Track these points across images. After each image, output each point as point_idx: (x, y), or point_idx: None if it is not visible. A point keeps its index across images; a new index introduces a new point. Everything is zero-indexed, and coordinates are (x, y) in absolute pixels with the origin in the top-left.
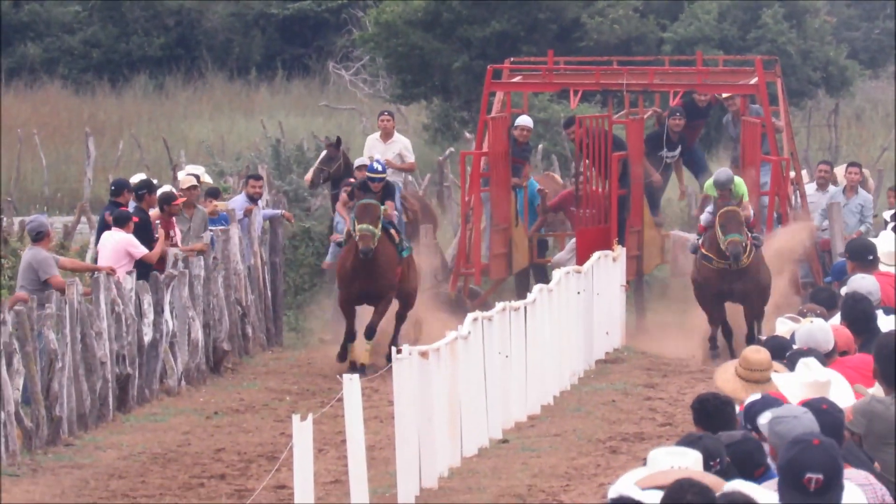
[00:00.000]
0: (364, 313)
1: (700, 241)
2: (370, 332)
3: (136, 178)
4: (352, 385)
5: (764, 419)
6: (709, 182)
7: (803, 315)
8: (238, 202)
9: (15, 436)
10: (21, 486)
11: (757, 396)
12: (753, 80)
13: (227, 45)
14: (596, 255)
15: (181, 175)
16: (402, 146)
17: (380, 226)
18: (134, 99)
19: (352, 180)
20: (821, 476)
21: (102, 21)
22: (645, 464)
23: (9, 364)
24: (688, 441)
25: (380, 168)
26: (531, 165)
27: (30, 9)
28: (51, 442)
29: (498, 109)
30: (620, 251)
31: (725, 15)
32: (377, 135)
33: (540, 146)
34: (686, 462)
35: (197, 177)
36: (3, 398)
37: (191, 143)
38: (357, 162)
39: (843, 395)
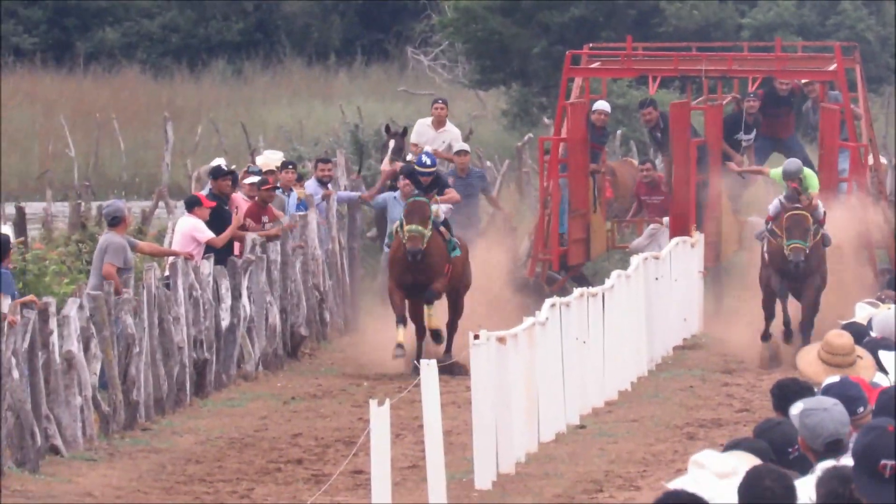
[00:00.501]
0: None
1: (766, 232)
2: (430, 298)
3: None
4: (429, 370)
5: (794, 410)
6: (777, 171)
7: (882, 301)
8: (310, 187)
9: (92, 420)
10: (98, 471)
11: (835, 379)
12: (832, 67)
13: (306, 30)
14: (674, 241)
15: (259, 160)
16: (452, 137)
17: (430, 225)
18: (212, 84)
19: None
20: None
21: (181, 6)
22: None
23: (86, 349)
24: (767, 426)
25: (429, 162)
26: (607, 151)
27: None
28: (128, 426)
29: (577, 95)
30: (699, 237)
31: (804, 1)
32: (429, 121)
33: (619, 132)
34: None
35: (292, 164)
36: (81, 383)
37: (269, 129)
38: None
39: None
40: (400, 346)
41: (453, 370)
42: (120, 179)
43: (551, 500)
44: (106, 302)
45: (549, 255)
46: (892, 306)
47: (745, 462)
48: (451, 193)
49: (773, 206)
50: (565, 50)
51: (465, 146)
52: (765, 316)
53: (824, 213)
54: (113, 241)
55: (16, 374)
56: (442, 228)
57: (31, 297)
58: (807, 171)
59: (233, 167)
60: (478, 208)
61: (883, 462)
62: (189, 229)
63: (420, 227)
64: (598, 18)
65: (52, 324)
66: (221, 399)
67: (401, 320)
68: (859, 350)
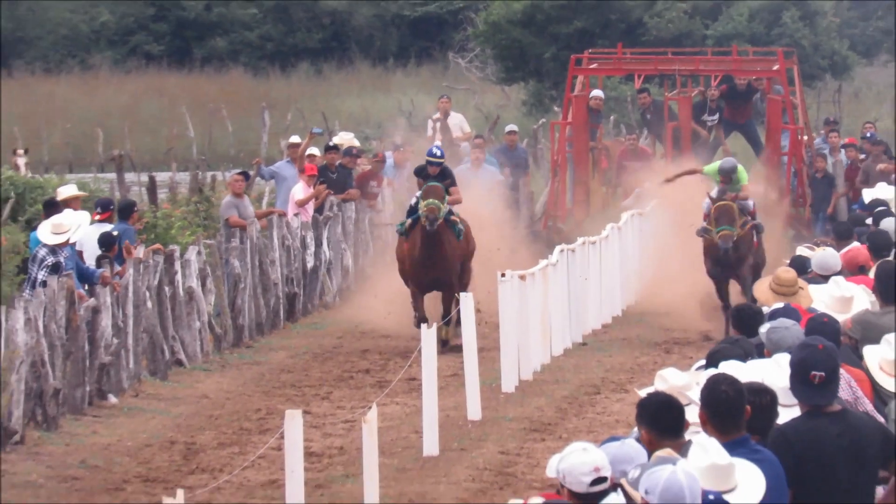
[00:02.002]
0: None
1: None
2: (447, 320)
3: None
4: (466, 301)
5: (763, 329)
6: (713, 167)
7: (818, 245)
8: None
9: (208, 339)
10: (212, 378)
11: (780, 305)
12: (776, 67)
13: (371, 39)
14: (654, 201)
15: (335, 139)
16: (458, 120)
17: (445, 203)
18: (298, 81)
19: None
20: (823, 373)
21: (274, 20)
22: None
23: (203, 285)
24: (729, 341)
25: (438, 153)
26: (603, 129)
27: (218, 11)
28: (235, 344)
29: (579, 89)
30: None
31: (754, 16)
32: (437, 114)
33: (612, 117)
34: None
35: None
36: (199, 311)
37: (342, 115)
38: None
39: (864, 304)
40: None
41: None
42: (228, 154)
43: (560, 401)
44: (218, 249)
45: (559, 212)
46: (826, 249)
47: (695, 377)
48: (457, 195)
49: (705, 203)
50: (570, 54)
51: (514, 127)
52: (719, 298)
53: (754, 204)
54: (228, 201)
55: (149, 304)
56: (452, 217)
57: (157, 245)
58: (740, 167)
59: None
60: (526, 176)
61: (813, 373)
62: (291, 194)
63: (436, 202)
64: (596, 30)
65: (177, 266)
66: (307, 323)
67: (419, 323)
68: (801, 282)
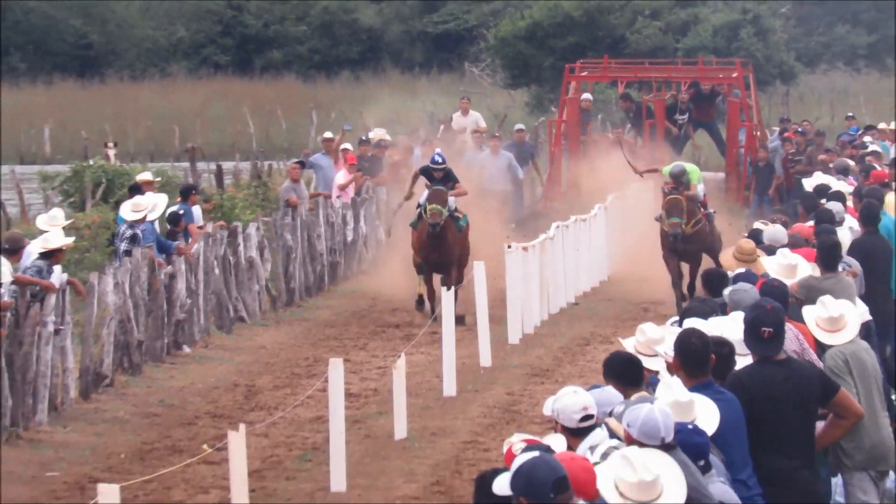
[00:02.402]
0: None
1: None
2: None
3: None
4: (479, 270)
5: (726, 291)
6: (667, 168)
7: (773, 221)
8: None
9: (265, 300)
10: (269, 333)
11: (742, 270)
12: (734, 74)
13: (400, 51)
14: (633, 186)
15: (371, 134)
16: (476, 118)
17: (447, 207)
18: (340, 86)
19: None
20: (771, 329)
21: (320, 36)
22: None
23: (261, 255)
24: (698, 301)
25: (440, 161)
26: (592, 126)
27: (274, 28)
28: (287, 304)
29: (572, 93)
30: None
31: (717, 32)
32: (458, 112)
33: (599, 116)
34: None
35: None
36: (258, 276)
37: (376, 115)
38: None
39: (806, 271)
40: (421, 302)
41: (462, 320)
42: (282, 147)
43: (556, 351)
44: (274, 225)
45: (555, 195)
46: (775, 226)
47: (668, 331)
48: (460, 188)
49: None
50: (565, 64)
51: (522, 125)
52: (672, 278)
53: (704, 194)
54: (287, 186)
55: (216, 271)
56: (457, 213)
57: (223, 222)
58: (689, 167)
59: (373, 137)
60: (529, 167)
61: (763, 329)
62: (335, 179)
63: (439, 207)
64: (586, 43)
65: (240, 239)
66: (347, 287)
67: (420, 302)
68: (759, 252)
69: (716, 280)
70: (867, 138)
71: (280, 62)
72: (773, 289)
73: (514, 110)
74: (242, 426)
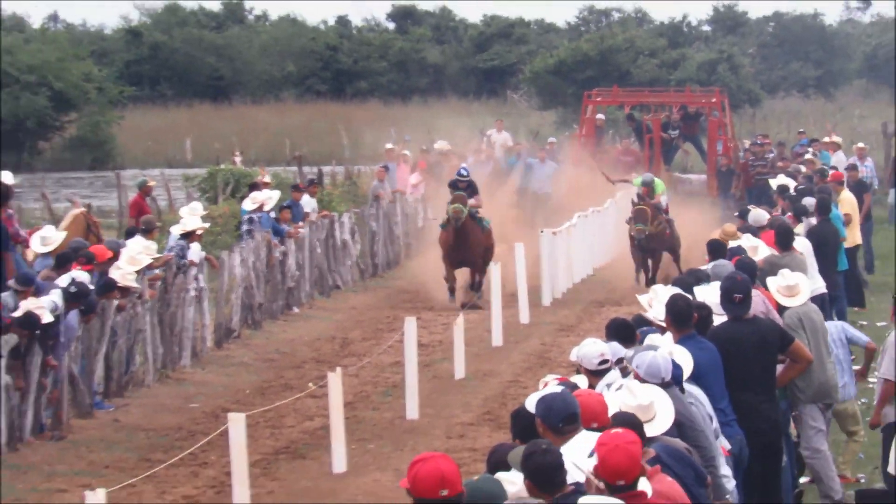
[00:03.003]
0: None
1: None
2: (476, 287)
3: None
4: (519, 249)
5: (709, 266)
6: (638, 180)
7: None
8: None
9: (355, 272)
10: (358, 297)
11: (735, 245)
12: (714, 99)
13: (458, 82)
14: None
15: (436, 145)
16: (506, 137)
17: (467, 208)
18: (413, 109)
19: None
20: (741, 295)
21: (397, 70)
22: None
23: (352, 237)
24: (689, 272)
25: (465, 174)
26: (604, 139)
27: (361, 64)
28: (372, 275)
29: (589, 114)
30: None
31: (700, 67)
32: (494, 130)
33: (610, 132)
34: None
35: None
36: (350, 254)
37: (440, 131)
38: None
39: (766, 251)
40: (452, 291)
41: (481, 306)
42: (367, 155)
43: (579, 311)
44: (361, 214)
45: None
46: (761, 209)
47: (666, 292)
48: (478, 200)
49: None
50: (583, 91)
51: (553, 138)
52: (636, 270)
53: (667, 205)
54: (374, 184)
55: (318, 250)
56: (478, 215)
57: (324, 211)
58: (657, 180)
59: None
60: (549, 183)
61: (734, 295)
62: (409, 179)
63: (460, 205)
64: (599, 76)
65: (336, 225)
66: (418, 263)
67: (451, 292)
68: (738, 233)
69: (719, 248)
70: (810, 149)
71: (366, 90)
72: (744, 264)
73: (545, 127)
74: (339, 369)
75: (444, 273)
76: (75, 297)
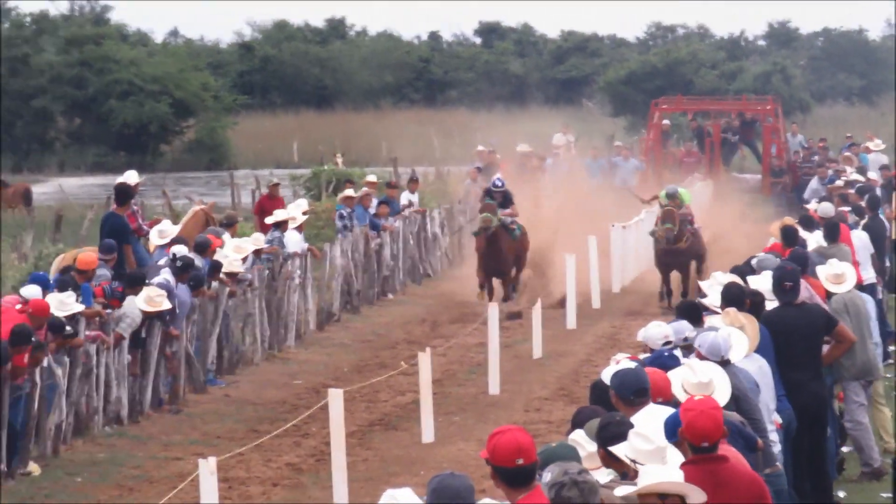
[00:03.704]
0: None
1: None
2: (508, 296)
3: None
4: (592, 242)
5: (754, 261)
6: (663, 192)
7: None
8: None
9: (444, 261)
10: (447, 285)
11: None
12: (769, 107)
13: (537, 91)
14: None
15: (518, 148)
16: (570, 138)
17: (497, 217)
18: (497, 116)
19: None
20: (791, 283)
21: (483, 80)
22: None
23: (441, 230)
24: (745, 263)
25: (500, 184)
26: (670, 143)
27: (451, 75)
28: (460, 265)
29: (656, 120)
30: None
31: (756, 78)
32: (560, 133)
33: (674, 136)
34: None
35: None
36: (440, 245)
37: (521, 135)
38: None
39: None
40: (482, 291)
41: (519, 315)
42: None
43: (645, 296)
44: (451, 209)
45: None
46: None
47: (725, 279)
48: (512, 209)
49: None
50: (651, 99)
51: (620, 142)
52: (661, 281)
53: (692, 214)
54: (466, 183)
55: (410, 241)
56: (511, 225)
57: (418, 207)
58: (682, 190)
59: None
60: (634, 178)
61: (784, 283)
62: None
63: (490, 215)
64: (666, 86)
65: (427, 220)
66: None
67: (482, 286)
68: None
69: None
70: (847, 152)
71: (455, 98)
72: (797, 255)
73: (618, 132)
74: (428, 349)
75: (479, 281)
76: (182, 269)
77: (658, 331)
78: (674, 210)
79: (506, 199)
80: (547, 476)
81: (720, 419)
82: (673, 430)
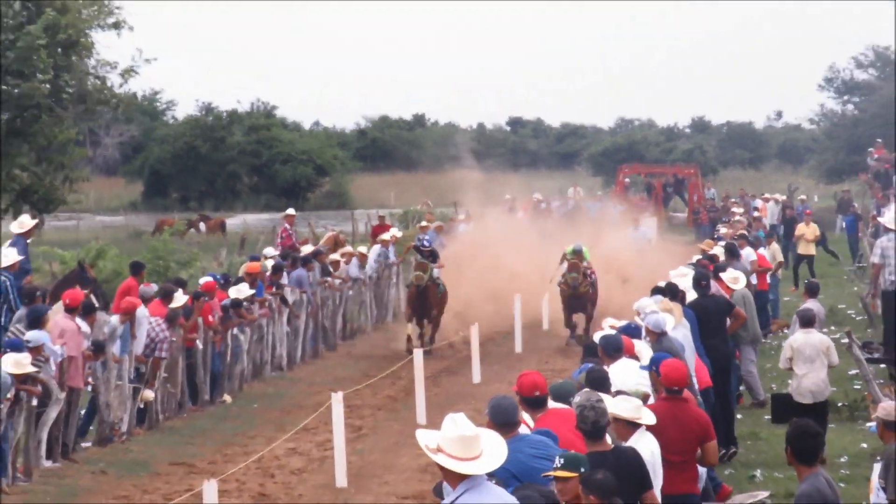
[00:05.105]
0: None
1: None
2: (429, 342)
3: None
4: (517, 300)
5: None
6: (569, 248)
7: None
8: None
9: None
10: None
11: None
12: (692, 171)
13: (545, 160)
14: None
15: (533, 196)
16: (580, 190)
17: (429, 274)
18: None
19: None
20: (705, 282)
21: (510, 154)
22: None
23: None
24: (666, 284)
25: (427, 244)
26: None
27: (492, 150)
28: None
29: (621, 178)
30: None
31: (684, 153)
32: (572, 188)
33: (632, 189)
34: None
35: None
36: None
37: (534, 188)
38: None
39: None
40: (409, 338)
41: (431, 352)
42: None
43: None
44: None
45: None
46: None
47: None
48: (440, 264)
49: (563, 265)
50: (617, 166)
51: (599, 192)
52: (565, 322)
53: (592, 271)
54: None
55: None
56: (438, 280)
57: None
58: (584, 247)
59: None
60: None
61: (702, 281)
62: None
63: (422, 273)
64: (628, 157)
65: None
66: None
67: (410, 321)
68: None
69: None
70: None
71: (492, 165)
72: (700, 268)
73: (596, 186)
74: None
75: (407, 318)
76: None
77: (647, 302)
78: (578, 263)
79: (433, 255)
80: (577, 398)
81: (685, 372)
82: (652, 364)
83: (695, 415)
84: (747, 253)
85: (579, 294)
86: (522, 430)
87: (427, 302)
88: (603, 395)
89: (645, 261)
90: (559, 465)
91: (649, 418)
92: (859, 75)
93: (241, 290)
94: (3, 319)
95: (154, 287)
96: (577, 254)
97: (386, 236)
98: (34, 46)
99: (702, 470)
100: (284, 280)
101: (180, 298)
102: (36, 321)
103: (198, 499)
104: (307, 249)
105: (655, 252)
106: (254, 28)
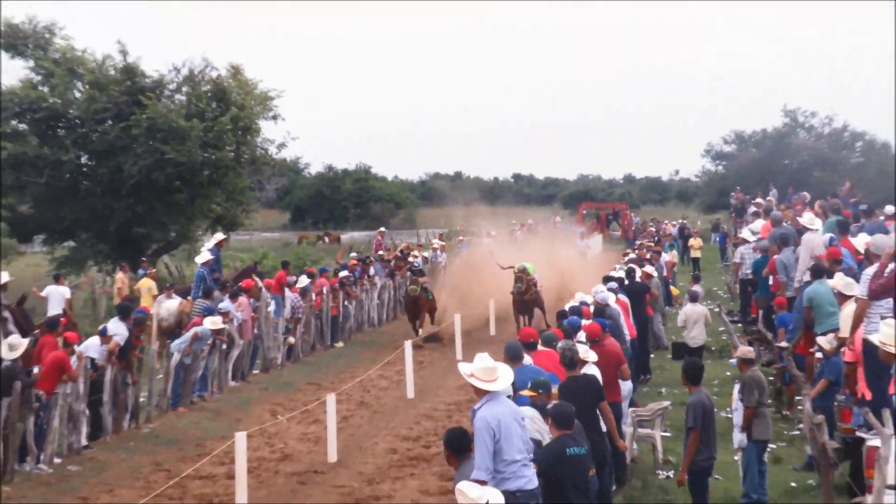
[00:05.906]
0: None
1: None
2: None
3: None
4: (491, 304)
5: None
6: (518, 265)
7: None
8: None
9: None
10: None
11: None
12: (625, 206)
13: (533, 201)
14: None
15: (527, 221)
16: (559, 219)
17: (420, 286)
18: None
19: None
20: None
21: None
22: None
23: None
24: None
25: (417, 264)
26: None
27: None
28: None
29: (581, 211)
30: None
31: (619, 196)
32: (558, 217)
33: (587, 219)
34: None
35: None
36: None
37: (527, 216)
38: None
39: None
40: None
41: (434, 339)
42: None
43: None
44: None
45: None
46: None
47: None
48: (425, 279)
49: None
50: (579, 203)
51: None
52: (515, 320)
53: (537, 280)
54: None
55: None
56: (427, 290)
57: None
58: (529, 266)
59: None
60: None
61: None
62: None
63: (416, 287)
64: (585, 198)
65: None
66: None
67: (413, 328)
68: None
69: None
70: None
71: (501, 203)
72: (631, 267)
73: (566, 216)
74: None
75: (409, 319)
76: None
77: (600, 287)
78: (523, 276)
79: (421, 273)
80: (560, 344)
81: (598, 330)
82: (574, 327)
83: (610, 350)
84: (664, 258)
85: (524, 300)
86: (526, 361)
87: (419, 307)
88: (573, 342)
89: (585, 260)
90: (530, 387)
91: (593, 357)
92: (726, 148)
93: (343, 276)
94: (199, 294)
95: (293, 277)
96: (523, 270)
97: (437, 244)
98: (224, 130)
99: (626, 386)
100: (371, 272)
101: (303, 281)
102: (231, 295)
103: (322, 407)
104: (388, 255)
105: (598, 256)
106: (357, 109)
